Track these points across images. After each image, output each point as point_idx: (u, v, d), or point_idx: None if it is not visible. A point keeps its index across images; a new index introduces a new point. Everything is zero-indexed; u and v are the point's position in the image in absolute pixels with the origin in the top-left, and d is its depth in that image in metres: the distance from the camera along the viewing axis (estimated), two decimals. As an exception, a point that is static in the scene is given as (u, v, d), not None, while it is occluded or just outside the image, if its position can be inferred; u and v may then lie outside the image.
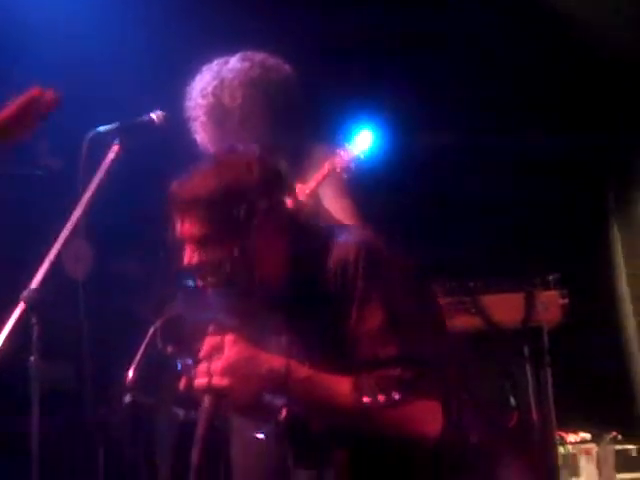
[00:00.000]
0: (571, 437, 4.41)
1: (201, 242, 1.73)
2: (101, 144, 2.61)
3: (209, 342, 1.65)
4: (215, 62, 2.98)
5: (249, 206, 1.70)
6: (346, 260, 1.68)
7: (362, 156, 2.80)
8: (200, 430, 1.63)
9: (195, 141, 3.01)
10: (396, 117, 3.55)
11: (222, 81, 2.90)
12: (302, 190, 2.59)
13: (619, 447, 4.34)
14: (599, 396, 4.68)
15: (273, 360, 1.64)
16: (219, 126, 2.88)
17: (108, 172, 2.54)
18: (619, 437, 4.44)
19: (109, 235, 3.68)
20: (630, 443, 4.48)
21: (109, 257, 3.94)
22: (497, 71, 4.74)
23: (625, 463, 4.30)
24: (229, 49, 3.02)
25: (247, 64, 2.91)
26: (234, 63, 2.94)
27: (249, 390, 1.64)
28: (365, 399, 1.56)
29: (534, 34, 4.62)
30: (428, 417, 1.60)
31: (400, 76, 4.51)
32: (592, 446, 4.28)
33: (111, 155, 2.59)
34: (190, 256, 1.74)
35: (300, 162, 2.71)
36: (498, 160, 4.81)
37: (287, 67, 2.99)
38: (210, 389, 1.61)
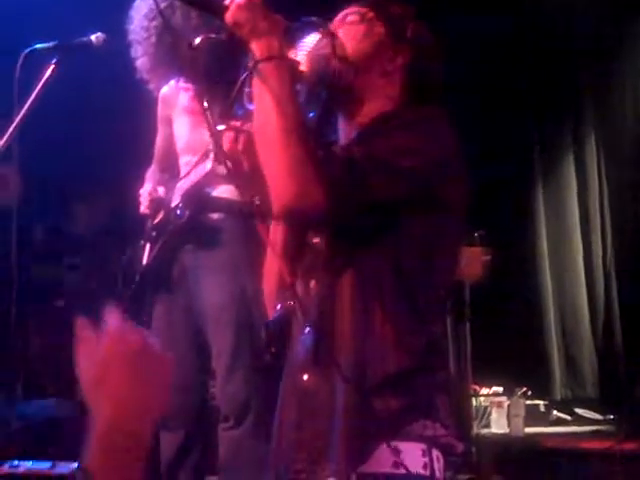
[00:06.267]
0: (484, 390, 4.53)
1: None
2: (37, 62, 2.51)
3: None
4: None
5: None
6: None
7: None
8: None
9: (133, 67, 2.93)
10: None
11: (172, 2, 2.80)
12: None
13: (529, 402, 4.48)
14: (513, 352, 4.79)
15: (279, 35, 1.63)
16: (169, 48, 2.78)
17: (43, 91, 2.46)
18: (529, 392, 4.58)
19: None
20: (539, 399, 4.64)
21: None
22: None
23: (534, 417, 4.44)
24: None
25: None
26: None
27: (248, 17, 1.60)
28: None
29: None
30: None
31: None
32: (503, 399, 4.40)
33: (46, 74, 2.50)
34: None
35: None
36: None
37: None
38: None
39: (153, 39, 2.81)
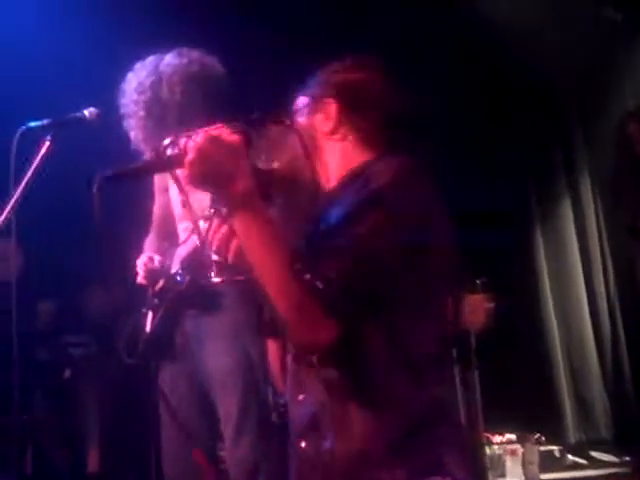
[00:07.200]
0: (497, 438, 4.48)
1: None
2: (32, 140, 2.56)
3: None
4: (150, 58, 2.96)
5: None
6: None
7: None
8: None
9: (128, 139, 2.99)
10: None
11: (160, 76, 2.89)
12: None
13: (543, 448, 4.43)
14: (524, 398, 4.76)
15: (243, 173, 1.57)
16: (158, 121, 2.86)
17: (39, 168, 2.50)
18: (543, 438, 4.54)
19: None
20: (553, 444, 4.59)
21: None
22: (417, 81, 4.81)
23: (549, 463, 4.38)
24: (158, 49, 3.01)
25: (185, 60, 2.91)
26: (171, 59, 2.93)
27: (204, 173, 1.56)
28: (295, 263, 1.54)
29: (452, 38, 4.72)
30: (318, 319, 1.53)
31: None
32: (517, 447, 4.36)
33: (42, 151, 2.54)
34: None
35: None
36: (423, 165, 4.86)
37: (220, 65, 3.00)
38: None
39: (142, 112, 2.88)
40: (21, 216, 2.48)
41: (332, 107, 1.77)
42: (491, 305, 4.22)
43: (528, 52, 4.85)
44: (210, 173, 1.55)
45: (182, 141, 1.60)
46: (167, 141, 1.61)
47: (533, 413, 4.77)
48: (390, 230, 1.59)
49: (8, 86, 3.69)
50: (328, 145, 1.77)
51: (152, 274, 2.95)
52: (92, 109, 2.66)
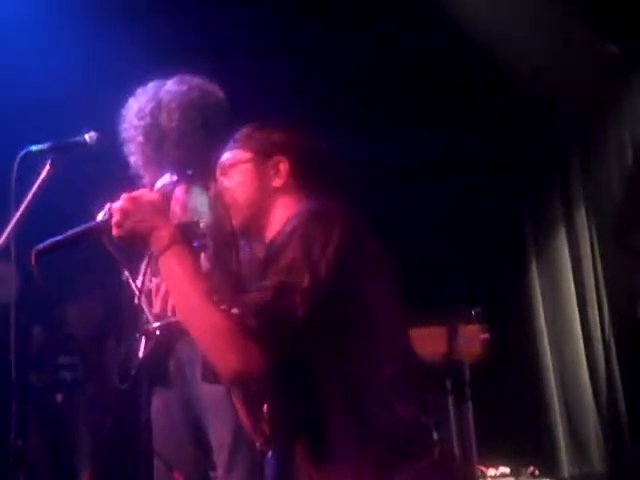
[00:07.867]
0: (491, 471, 4.46)
1: None
2: (33, 163, 2.57)
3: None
4: (151, 84, 2.98)
5: None
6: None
7: None
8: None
9: (128, 163, 3.00)
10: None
11: (159, 102, 2.91)
12: None
13: (536, 482, 4.42)
14: (518, 431, 4.75)
15: (165, 223, 1.75)
16: (156, 147, 2.88)
17: (39, 192, 2.51)
18: (536, 472, 4.52)
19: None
20: (547, 477, 4.57)
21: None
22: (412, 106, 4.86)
23: (542, 497, 4.37)
24: (163, 72, 3.04)
25: (184, 87, 2.93)
26: (172, 85, 2.95)
27: (129, 229, 1.75)
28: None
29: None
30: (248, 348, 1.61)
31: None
32: (511, 480, 4.34)
33: (42, 175, 2.55)
34: None
35: None
36: (420, 197, 4.91)
37: (221, 92, 3.02)
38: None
39: (140, 138, 2.91)
40: (20, 239, 2.48)
41: (284, 165, 1.89)
42: (486, 335, 4.22)
43: (527, 84, 4.89)
44: (135, 228, 1.74)
45: (106, 207, 1.80)
46: (101, 215, 1.77)
47: (527, 446, 4.75)
48: (300, 270, 1.67)
49: (9, 108, 3.71)
50: (273, 199, 1.87)
51: (150, 296, 2.95)
52: (93, 133, 2.68)
